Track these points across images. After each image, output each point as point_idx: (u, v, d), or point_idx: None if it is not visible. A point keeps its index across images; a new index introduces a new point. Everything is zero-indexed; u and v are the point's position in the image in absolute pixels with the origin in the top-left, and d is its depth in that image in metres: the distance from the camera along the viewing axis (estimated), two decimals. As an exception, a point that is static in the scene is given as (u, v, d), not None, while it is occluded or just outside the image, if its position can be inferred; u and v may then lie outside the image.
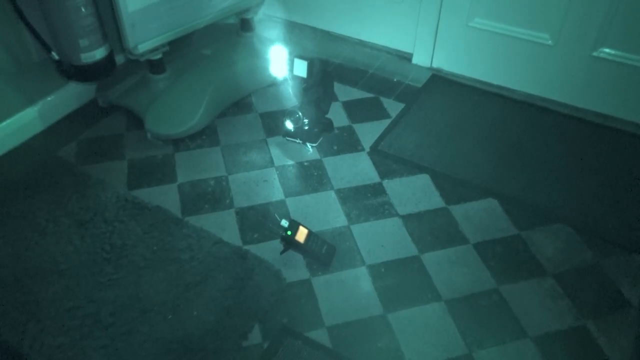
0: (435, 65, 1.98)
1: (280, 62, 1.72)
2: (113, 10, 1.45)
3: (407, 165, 1.56)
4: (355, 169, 1.55)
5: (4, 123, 1.58)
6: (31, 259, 1.28)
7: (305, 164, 1.57)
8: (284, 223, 1.25)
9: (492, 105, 1.80)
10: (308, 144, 1.61)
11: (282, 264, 1.28)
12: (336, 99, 1.81)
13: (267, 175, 1.53)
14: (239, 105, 1.78)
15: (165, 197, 1.45)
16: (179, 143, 1.63)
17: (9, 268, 1.26)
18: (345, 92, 1.85)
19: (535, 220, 1.39)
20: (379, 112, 1.76)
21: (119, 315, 1.17)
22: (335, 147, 1.62)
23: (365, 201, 1.45)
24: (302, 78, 1.54)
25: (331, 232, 1.36)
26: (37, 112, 1.65)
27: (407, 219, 1.40)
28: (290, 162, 1.57)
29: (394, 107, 1.78)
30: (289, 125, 1.55)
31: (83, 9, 1.39)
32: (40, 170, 1.53)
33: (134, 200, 1.43)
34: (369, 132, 1.67)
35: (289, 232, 1.24)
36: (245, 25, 1.89)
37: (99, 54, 1.48)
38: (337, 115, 1.73)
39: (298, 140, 1.61)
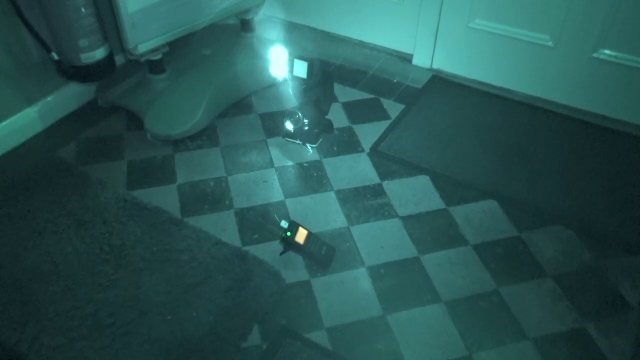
0: (435, 66, 1.98)
1: (280, 63, 1.72)
2: (113, 10, 1.45)
3: (407, 166, 1.55)
4: (355, 170, 1.55)
5: (4, 123, 1.58)
6: (30, 259, 1.28)
7: (305, 164, 1.57)
8: (284, 224, 1.25)
9: (492, 107, 1.79)
10: (308, 145, 1.61)
11: (281, 265, 1.27)
12: (336, 100, 1.80)
13: (267, 176, 1.53)
14: (239, 106, 1.78)
15: (164, 197, 1.45)
16: (178, 143, 1.63)
17: (7, 268, 1.26)
18: (345, 93, 1.85)
19: (535, 221, 1.39)
20: (379, 113, 1.76)
21: (118, 316, 1.16)
22: (335, 148, 1.62)
23: (365, 202, 1.44)
24: (302, 79, 1.54)
25: (331, 233, 1.36)
26: (37, 112, 1.65)
27: (407, 220, 1.40)
28: (290, 163, 1.57)
29: (394, 108, 1.78)
30: (289, 126, 1.55)
31: (83, 9, 1.39)
32: (39, 170, 1.53)
33: (133, 200, 1.43)
34: (369, 133, 1.67)
35: (288, 233, 1.24)
36: (245, 25, 1.89)
37: (99, 54, 1.48)
38: (337, 116, 1.73)
39: (298, 141, 1.61)
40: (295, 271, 1.27)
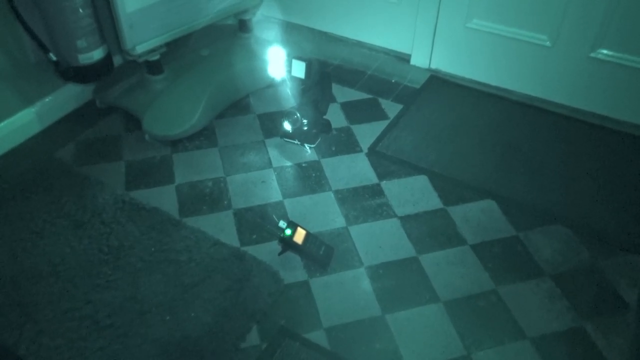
0: (433, 66, 1.98)
1: (279, 63, 1.72)
2: (111, 11, 1.45)
3: (405, 166, 1.56)
4: (354, 170, 1.55)
5: (2, 124, 1.58)
6: (28, 260, 1.28)
7: (304, 165, 1.57)
8: (282, 224, 1.25)
9: (490, 106, 1.80)
10: (306, 145, 1.61)
11: (280, 265, 1.27)
12: (334, 100, 1.81)
13: (265, 177, 1.53)
14: (237, 106, 1.78)
15: (163, 198, 1.45)
16: (177, 144, 1.63)
17: (6, 269, 1.26)
18: (343, 93, 1.85)
19: (533, 221, 1.39)
20: (377, 113, 1.76)
21: (116, 316, 1.16)
22: (333, 148, 1.62)
23: (363, 202, 1.45)
24: (300, 79, 1.54)
25: (329, 233, 1.36)
26: (35, 113, 1.65)
27: (405, 220, 1.40)
28: (289, 163, 1.57)
29: (392, 108, 1.78)
30: (287, 126, 1.55)
31: (81, 10, 1.39)
32: (37, 171, 1.53)
33: (131, 201, 1.43)
34: (367, 133, 1.67)
35: (287, 233, 1.24)
36: (243, 26, 1.89)
37: (97, 54, 1.48)
38: (335, 116, 1.73)
39: (296, 142, 1.61)
40: (293, 271, 1.27)
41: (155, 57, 1.62)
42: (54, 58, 1.46)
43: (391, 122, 1.72)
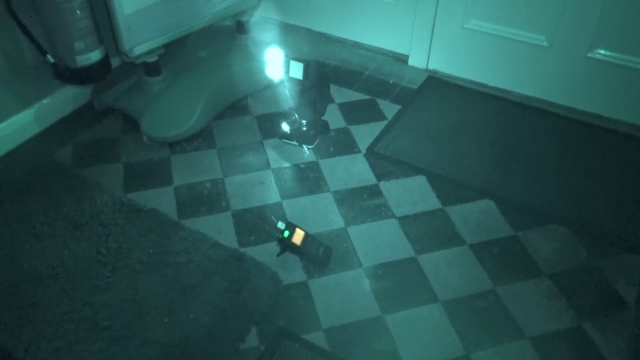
0: (431, 67, 1.98)
1: (277, 64, 1.72)
2: (108, 12, 1.45)
3: (403, 166, 1.56)
4: (352, 170, 1.55)
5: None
6: (26, 262, 1.28)
7: (302, 166, 1.57)
8: (281, 225, 1.25)
9: (488, 107, 1.80)
10: (304, 146, 1.61)
11: (278, 266, 1.27)
12: (332, 101, 1.81)
13: (264, 178, 1.53)
14: (235, 108, 1.78)
15: (161, 200, 1.45)
16: (175, 146, 1.63)
17: (4, 272, 1.26)
18: (341, 94, 1.85)
19: (531, 221, 1.39)
20: (375, 114, 1.76)
21: (115, 318, 1.16)
22: (331, 149, 1.62)
23: (361, 203, 1.45)
24: (298, 80, 1.54)
25: (328, 234, 1.36)
26: (33, 115, 1.64)
27: (403, 220, 1.40)
28: (287, 164, 1.57)
29: (390, 109, 1.78)
30: (285, 127, 1.55)
31: (78, 12, 1.39)
32: (35, 173, 1.52)
33: (130, 203, 1.43)
34: (365, 134, 1.67)
35: (285, 234, 1.24)
36: (241, 27, 1.89)
37: (95, 56, 1.48)
38: (334, 117, 1.73)
39: (294, 142, 1.61)
40: (292, 272, 1.27)
41: (153, 58, 1.62)
42: (52, 60, 1.46)
43: (389, 122, 1.72)
